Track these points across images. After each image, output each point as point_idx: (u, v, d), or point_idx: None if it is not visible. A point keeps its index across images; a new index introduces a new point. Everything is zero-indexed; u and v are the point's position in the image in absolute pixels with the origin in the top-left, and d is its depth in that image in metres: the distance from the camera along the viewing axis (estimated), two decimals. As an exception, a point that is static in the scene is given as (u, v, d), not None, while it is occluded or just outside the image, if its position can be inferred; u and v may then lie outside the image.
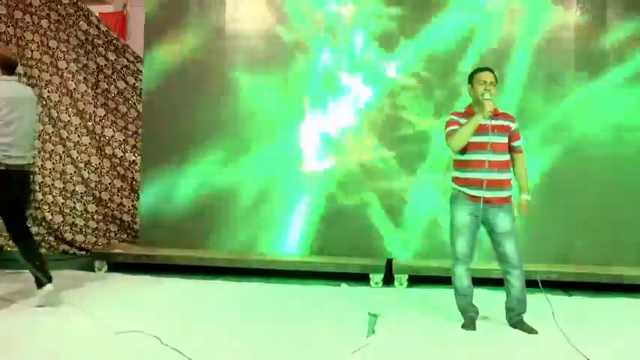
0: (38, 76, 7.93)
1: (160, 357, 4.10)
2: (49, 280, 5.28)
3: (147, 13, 7.53)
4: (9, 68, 5.35)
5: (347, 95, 7.16)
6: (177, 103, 7.36)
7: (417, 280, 6.51)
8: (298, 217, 7.21)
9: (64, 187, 7.97)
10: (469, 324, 4.93)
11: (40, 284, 5.25)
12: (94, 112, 8.09)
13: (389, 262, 6.72)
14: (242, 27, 7.36)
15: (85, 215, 8.06)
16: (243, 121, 7.27)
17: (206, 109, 7.33)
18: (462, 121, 4.89)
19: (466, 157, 4.88)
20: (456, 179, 4.99)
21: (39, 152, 7.94)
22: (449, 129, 4.93)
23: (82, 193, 8.06)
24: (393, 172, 7.07)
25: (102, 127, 8.17)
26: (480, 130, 4.81)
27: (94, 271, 6.83)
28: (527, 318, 4.92)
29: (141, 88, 7.84)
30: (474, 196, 4.85)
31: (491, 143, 4.82)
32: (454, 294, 5.04)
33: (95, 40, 8.18)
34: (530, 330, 4.83)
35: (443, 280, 6.00)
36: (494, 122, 4.84)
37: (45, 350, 4.22)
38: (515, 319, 4.93)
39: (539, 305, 4.96)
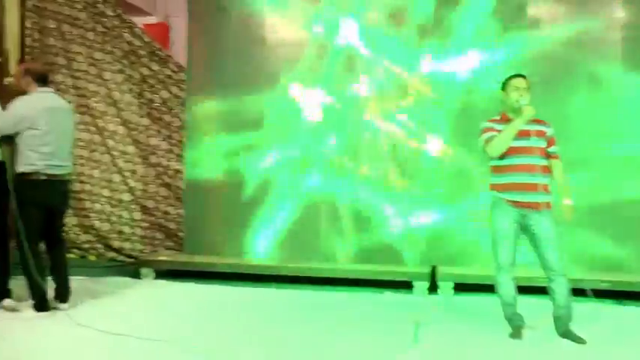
0: (85, 87, 8.08)
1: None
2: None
3: (189, 24, 7.63)
4: (42, 80, 5.47)
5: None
6: (220, 111, 7.43)
7: (463, 287, 6.48)
8: (341, 226, 7.26)
9: (111, 196, 8.12)
10: (516, 333, 4.88)
11: (35, 295, 5.34)
12: (138, 121, 8.23)
13: (433, 269, 6.72)
14: (282, 35, 7.44)
15: (131, 223, 8.19)
16: (288, 129, 7.34)
17: (250, 116, 7.41)
18: (498, 127, 4.88)
19: (506, 161, 4.85)
20: (495, 185, 4.96)
21: (87, 161, 8.10)
22: (486, 135, 4.91)
23: (128, 201, 8.20)
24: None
25: (146, 136, 8.30)
26: (521, 134, 4.80)
27: (140, 278, 6.94)
28: (579, 328, 4.84)
29: (184, 98, 7.95)
30: (516, 201, 4.83)
31: (532, 147, 4.81)
32: (500, 303, 5.01)
33: (139, 51, 8.30)
34: (578, 340, 4.75)
35: (490, 287, 6.00)
36: (534, 127, 4.84)
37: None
38: (564, 329, 4.85)
39: (590, 314, 4.91)
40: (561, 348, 4.69)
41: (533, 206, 4.81)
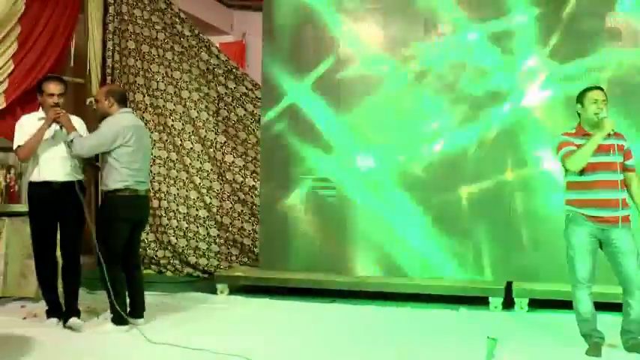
0: (163, 106, 8.29)
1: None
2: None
3: (264, 42, 7.74)
4: (123, 101, 5.65)
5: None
6: (295, 130, 7.52)
7: (539, 303, 6.36)
8: (416, 240, 7.21)
9: (187, 212, 8.28)
10: (594, 350, 4.75)
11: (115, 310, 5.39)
12: (215, 139, 8.39)
13: (509, 285, 6.61)
14: (356, 52, 7.46)
15: (207, 239, 8.33)
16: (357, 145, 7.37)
17: (322, 133, 7.46)
18: (576, 141, 4.80)
19: (585, 178, 4.77)
20: (573, 201, 4.87)
21: (164, 179, 8.31)
22: (565, 149, 4.81)
23: (204, 217, 8.35)
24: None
25: (223, 153, 8.46)
26: (601, 149, 4.71)
27: (216, 293, 7.02)
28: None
29: (259, 115, 8.06)
30: (595, 217, 4.74)
31: (612, 163, 4.73)
32: (576, 319, 4.90)
33: (216, 69, 8.48)
34: None
35: (565, 304, 5.86)
36: (612, 141, 4.75)
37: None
38: (632, 342, 4.76)
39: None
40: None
41: (613, 221, 4.73)
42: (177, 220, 8.32)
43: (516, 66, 6.99)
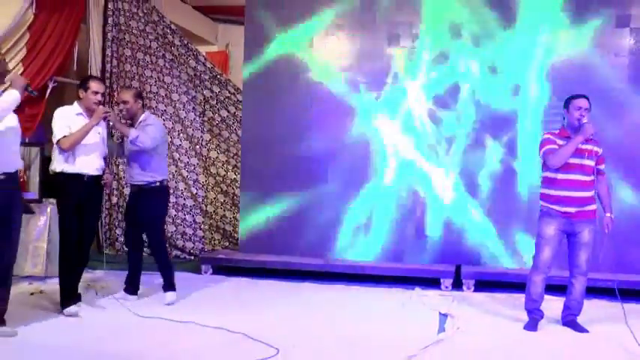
0: (155, 107, 8.21)
1: (251, 348, 4.22)
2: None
3: (245, 51, 7.72)
4: (143, 104, 5.70)
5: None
6: (272, 130, 7.51)
7: (483, 284, 6.45)
8: (376, 224, 7.23)
9: (176, 201, 8.23)
10: (531, 325, 4.89)
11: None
12: (201, 136, 8.37)
13: (457, 267, 6.70)
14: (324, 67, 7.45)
15: (193, 225, 8.31)
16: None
17: (296, 134, 7.46)
18: (558, 141, 4.84)
19: (559, 175, 4.82)
20: (547, 196, 4.91)
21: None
22: (547, 147, 4.85)
23: (191, 206, 8.33)
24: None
25: (208, 149, 8.44)
26: (578, 152, 4.76)
27: (201, 273, 7.02)
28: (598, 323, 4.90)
29: (240, 116, 8.05)
30: (565, 212, 4.81)
31: (584, 165, 4.79)
32: (525, 297, 4.99)
33: (202, 75, 8.45)
34: (581, 329, 4.80)
35: (504, 284, 5.99)
36: (588, 146, 4.80)
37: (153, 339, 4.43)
38: (570, 318, 4.90)
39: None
40: (566, 336, 4.73)
41: (580, 216, 4.81)
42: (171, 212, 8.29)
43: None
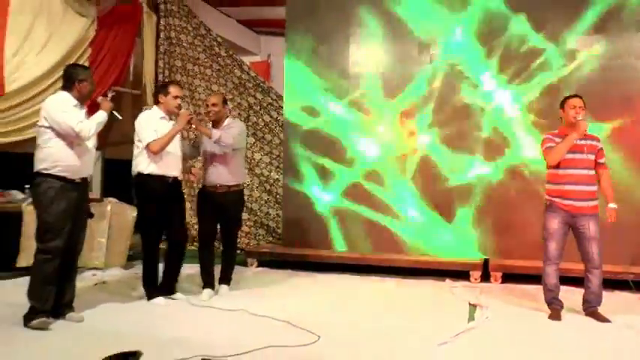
0: (204, 113, 8.34)
1: (294, 334, 4.26)
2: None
3: (286, 61, 7.79)
4: None
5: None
6: (312, 131, 7.55)
7: (510, 277, 6.40)
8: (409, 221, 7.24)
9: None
10: (555, 315, 4.85)
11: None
12: (246, 140, 8.42)
13: (485, 261, 6.66)
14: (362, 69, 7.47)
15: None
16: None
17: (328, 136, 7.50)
18: (557, 139, 4.84)
19: (561, 171, 4.81)
20: (550, 191, 4.91)
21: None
22: (546, 146, 4.88)
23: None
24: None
25: (252, 152, 8.53)
26: (576, 149, 4.76)
27: (247, 266, 7.08)
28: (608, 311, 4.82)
29: (282, 121, 8.11)
30: (568, 206, 4.78)
31: (584, 160, 4.78)
32: (543, 289, 4.97)
33: (246, 83, 8.55)
34: (604, 319, 4.74)
35: (532, 277, 5.93)
36: (587, 142, 4.80)
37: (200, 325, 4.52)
38: (590, 310, 4.85)
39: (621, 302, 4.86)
40: (590, 325, 4.67)
41: (582, 210, 4.77)
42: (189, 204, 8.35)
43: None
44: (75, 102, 4.43)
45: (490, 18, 6.98)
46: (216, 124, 5.45)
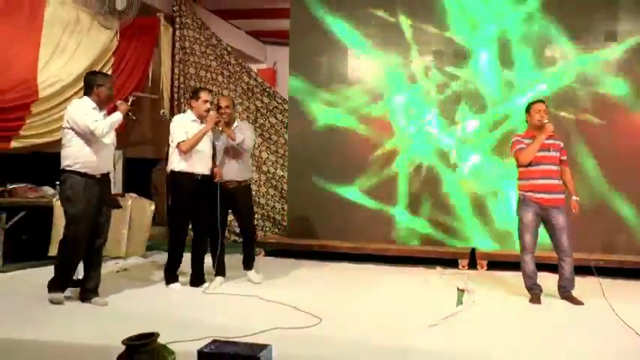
0: (215, 116, 8.35)
1: (299, 317, 4.28)
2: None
3: (290, 68, 7.79)
4: None
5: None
6: (316, 132, 7.55)
7: (495, 265, 6.42)
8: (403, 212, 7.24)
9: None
10: (535, 299, 4.86)
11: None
12: (254, 140, 8.42)
13: (473, 250, 6.67)
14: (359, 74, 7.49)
15: (248, 215, 8.39)
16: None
17: (334, 137, 7.50)
18: (525, 140, 4.88)
19: (532, 168, 4.83)
20: (522, 186, 4.92)
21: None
22: (517, 147, 4.90)
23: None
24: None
25: (259, 151, 8.54)
26: (544, 147, 4.80)
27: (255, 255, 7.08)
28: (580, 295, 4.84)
29: (287, 122, 8.12)
30: (539, 199, 4.80)
31: (551, 157, 4.82)
32: (522, 276, 4.99)
33: (254, 88, 8.56)
34: (577, 302, 4.77)
35: (514, 265, 5.93)
36: (551, 141, 4.84)
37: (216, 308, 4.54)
38: (566, 294, 4.87)
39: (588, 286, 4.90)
40: (565, 308, 4.70)
41: (552, 202, 4.79)
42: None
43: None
44: (94, 105, 4.53)
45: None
46: (228, 124, 5.40)
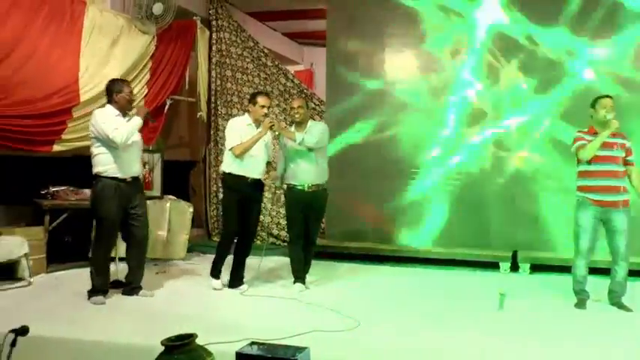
0: (252, 119, 8.43)
1: (337, 320, 4.31)
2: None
3: (327, 69, 7.82)
4: None
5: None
6: (353, 135, 7.58)
7: (537, 267, 6.31)
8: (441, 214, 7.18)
9: (272, 197, 8.32)
10: (580, 304, 4.78)
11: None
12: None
13: (514, 253, 6.57)
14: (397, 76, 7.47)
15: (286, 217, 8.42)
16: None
17: (373, 136, 7.49)
18: (587, 137, 4.74)
19: (593, 167, 4.70)
20: (582, 187, 4.78)
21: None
22: (578, 143, 4.75)
23: (283, 200, 8.40)
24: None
25: (297, 152, 8.55)
26: (606, 146, 4.66)
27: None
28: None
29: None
30: (599, 201, 4.67)
31: (615, 157, 4.68)
32: (572, 280, 4.87)
33: (291, 90, 8.56)
34: (627, 309, 4.65)
35: (556, 268, 5.85)
36: (616, 140, 4.70)
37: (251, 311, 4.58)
38: (616, 299, 4.75)
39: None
40: (613, 314, 4.60)
41: (614, 205, 4.66)
42: (264, 203, 8.39)
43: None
44: (116, 112, 4.74)
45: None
46: (300, 125, 5.32)
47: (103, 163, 4.66)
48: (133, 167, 4.81)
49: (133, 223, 4.83)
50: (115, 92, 4.75)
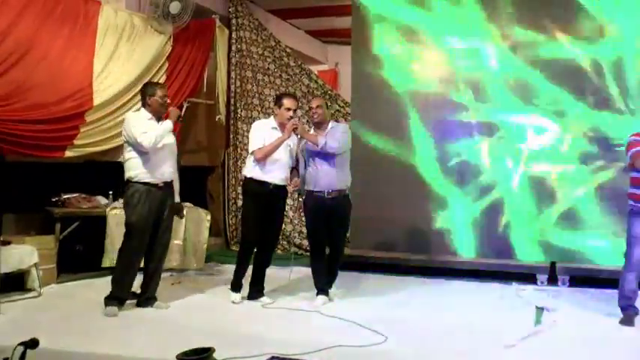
0: (273, 121, 8.45)
1: (362, 334, 4.27)
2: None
3: (352, 70, 7.80)
4: None
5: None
6: (377, 139, 7.54)
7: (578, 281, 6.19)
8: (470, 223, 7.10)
9: (293, 204, 8.36)
10: (628, 321, 4.64)
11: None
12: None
13: (553, 264, 6.46)
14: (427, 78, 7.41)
15: (308, 225, 8.42)
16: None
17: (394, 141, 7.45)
18: None
19: None
20: (634, 195, 4.64)
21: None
22: (635, 150, 4.56)
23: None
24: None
25: (320, 156, 8.54)
26: None
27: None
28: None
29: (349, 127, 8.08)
30: None
31: None
32: (619, 294, 4.75)
33: (315, 91, 8.55)
34: None
35: (599, 280, 5.73)
36: None
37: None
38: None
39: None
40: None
41: None
42: (286, 211, 8.40)
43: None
44: (149, 116, 4.85)
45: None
46: (319, 126, 5.32)
47: (134, 168, 4.76)
48: (165, 171, 4.89)
49: (159, 227, 4.90)
50: (148, 95, 4.85)
